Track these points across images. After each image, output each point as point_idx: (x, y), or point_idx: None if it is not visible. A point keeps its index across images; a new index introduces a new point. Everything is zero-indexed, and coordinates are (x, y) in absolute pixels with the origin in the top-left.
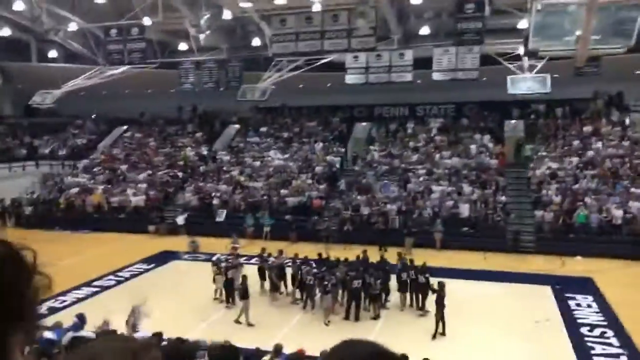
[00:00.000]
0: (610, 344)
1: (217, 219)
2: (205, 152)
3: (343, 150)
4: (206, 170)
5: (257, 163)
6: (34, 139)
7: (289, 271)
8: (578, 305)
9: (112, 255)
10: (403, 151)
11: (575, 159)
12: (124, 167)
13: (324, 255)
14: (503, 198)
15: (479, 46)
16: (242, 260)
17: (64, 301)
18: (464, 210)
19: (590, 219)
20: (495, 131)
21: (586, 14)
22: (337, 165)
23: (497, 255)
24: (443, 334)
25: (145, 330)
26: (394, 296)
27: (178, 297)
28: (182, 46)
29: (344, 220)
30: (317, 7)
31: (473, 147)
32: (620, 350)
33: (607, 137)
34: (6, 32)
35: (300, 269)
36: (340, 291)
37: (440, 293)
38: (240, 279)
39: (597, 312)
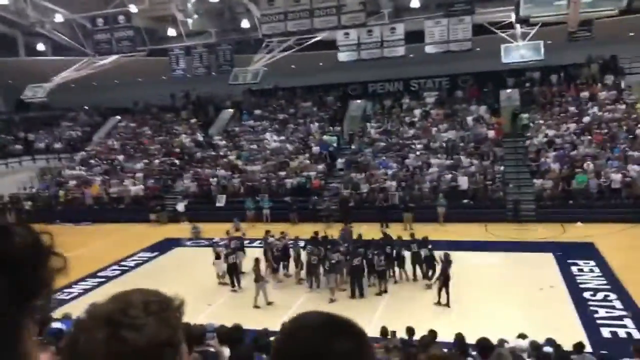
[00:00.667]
0: (613, 307)
1: (217, 204)
2: (201, 138)
3: (339, 128)
4: (203, 156)
5: (254, 146)
6: (28, 133)
7: (292, 252)
8: (580, 270)
9: (115, 245)
10: (399, 127)
11: (572, 125)
12: (120, 157)
13: (323, 235)
14: (501, 168)
15: (470, 16)
16: (245, 243)
17: (71, 293)
18: (463, 182)
19: (589, 184)
20: (490, 101)
21: None
22: (334, 145)
23: (498, 226)
24: (447, 305)
25: None
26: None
27: (183, 282)
28: (171, 32)
29: (344, 199)
30: None
31: (469, 118)
32: (623, 313)
33: (603, 102)
34: None
35: (302, 250)
36: (344, 269)
37: (446, 265)
38: (242, 262)
39: (599, 277)
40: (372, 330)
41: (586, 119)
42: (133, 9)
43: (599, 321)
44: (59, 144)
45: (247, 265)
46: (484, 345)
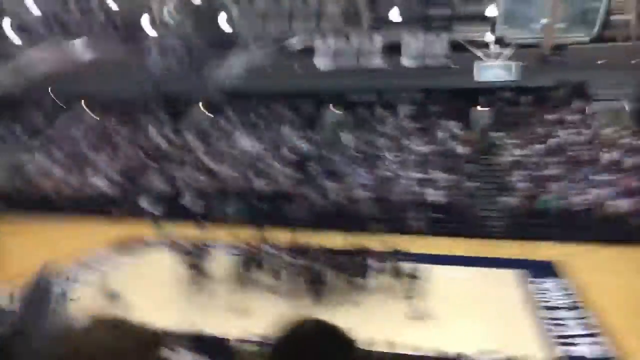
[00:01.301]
0: (572, 327)
1: (184, 204)
2: (170, 135)
3: (312, 135)
4: (172, 154)
5: (225, 147)
6: None
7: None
8: (543, 289)
9: (75, 241)
10: (373, 137)
11: (540, 146)
12: (85, 149)
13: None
14: (471, 184)
15: (447, 33)
16: (210, 246)
17: None
18: (433, 196)
19: (553, 204)
20: (463, 118)
21: (553, 3)
22: (307, 151)
23: (465, 241)
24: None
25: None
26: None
27: (148, 284)
28: (145, 24)
29: (314, 207)
30: None
31: (441, 133)
32: (584, 332)
33: (569, 125)
34: None
35: (265, 256)
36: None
37: (413, 278)
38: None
39: (561, 296)
40: None
41: (553, 141)
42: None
43: (558, 340)
44: (19, 131)
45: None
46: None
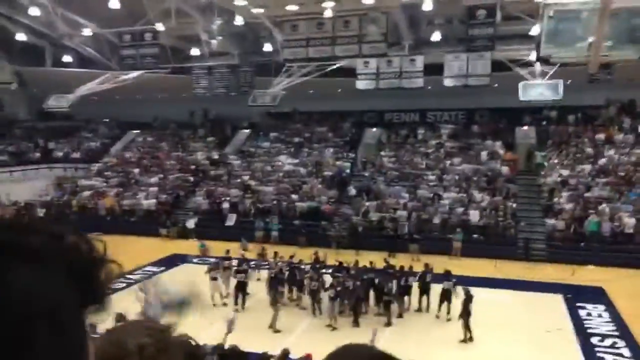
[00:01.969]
0: (621, 355)
1: (227, 223)
2: (216, 157)
3: (353, 155)
4: (217, 175)
5: (268, 168)
6: (48, 142)
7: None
8: (589, 314)
9: (123, 258)
10: (413, 157)
11: (587, 167)
12: (136, 170)
13: (322, 259)
14: (514, 205)
15: (490, 52)
16: (252, 264)
17: None
18: (474, 217)
19: (602, 227)
20: (506, 138)
21: (598, 21)
22: (347, 171)
23: (507, 263)
24: (470, 340)
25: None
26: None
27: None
28: (194, 51)
29: (353, 226)
30: (328, 13)
31: (484, 153)
32: None
33: (619, 145)
34: (22, 37)
35: (305, 275)
36: (350, 296)
37: (467, 300)
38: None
39: (608, 322)
40: None
41: (602, 161)
42: (160, 27)
43: None
44: (77, 154)
45: (254, 287)
46: None
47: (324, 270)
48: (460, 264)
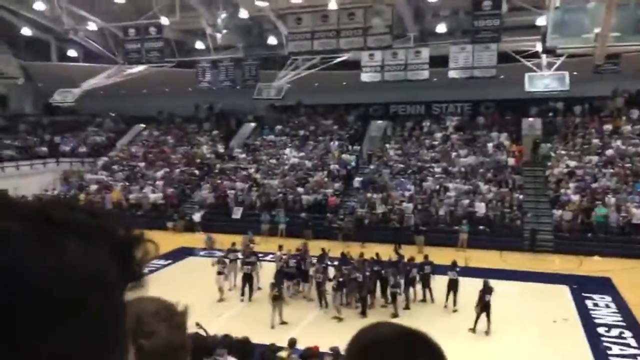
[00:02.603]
0: (628, 345)
1: (233, 216)
2: (221, 150)
3: (358, 148)
4: (222, 168)
5: (273, 161)
6: (54, 136)
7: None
8: (596, 305)
9: None
10: (419, 149)
11: (594, 158)
12: (142, 164)
13: (326, 251)
14: (520, 197)
15: (496, 44)
16: (258, 257)
17: None
18: (480, 208)
19: (610, 218)
20: (512, 129)
21: (605, 11)
22: (353, 164)
23: (514, 255)
24: (487, 332)
25: None
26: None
27: (194, 292)
28: (199, 45)
29: (359, 218)
30: (333, 6)
31: (490, 145)
32: (638, 352)
33: (626, 136)
34: (27, 32)
35: (312, 266)
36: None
37: (484, 292)
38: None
39: (615, 313)
40: None
41: (609, 152)
42: (164, 21)
43: (612, 359)
44: (83, 148)
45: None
46: None
47: (329, 262)
48: (467, 256)
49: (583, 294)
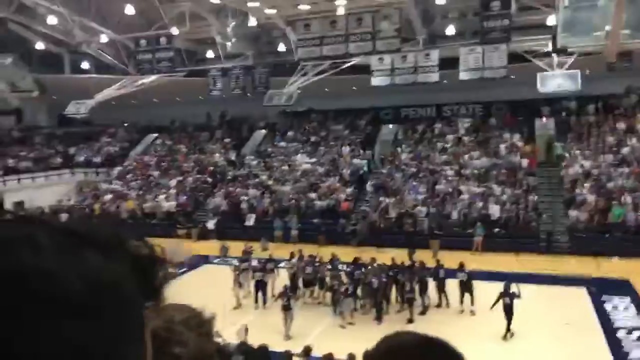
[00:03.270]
0: None
1: (247, 223)
2: (233, 158)
3: (370, 152)
4: (235, 175)
5: (285, 167)
6: (68, 147)
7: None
8: (615, 307)
9: None
10: (430, 152)
11: (609, 157)
12: (155, 173)
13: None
14: (535, 198)
15: (505, 44)
16: (271, 263)
17: None
18: (495, 211)
19: (626, 217)
20: (525, 130)
21: (616, 8)
22: (365, 168)
23: (529, 257)
24: (504, 337)
25: None
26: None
27: (208, 300)
28: (209, 54)
29: (372, 223)
30: (341, 11)
31: (502, 146)
32: None
33: None
34: (40, 45)
35: (324, 272)
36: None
37: (503, 295)
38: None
39: (635, 315)
40: None
41: (625, 151)
42: (175, 31)
43: None
44: (97, 159)
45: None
46: None
47: (343, 268)
48: (482, 259)
49: (601, 296)
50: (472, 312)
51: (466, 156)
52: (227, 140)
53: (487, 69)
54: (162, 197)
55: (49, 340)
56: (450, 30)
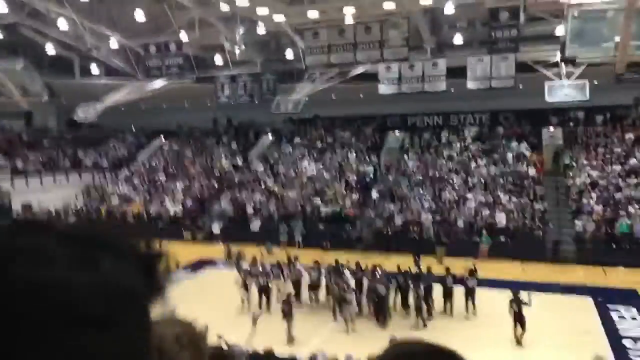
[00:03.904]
0: None
1: (252, 228)
2: (240, 163)
3: (376, 159)
4: (241, 180)
5: (291, 173)
6: (77, 150)
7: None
8: (621, 317)
9: None
10: (437, 160)
11: (617, 167)
12: (162, 177)
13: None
14: (542, 207)
15: (514, 54)
16: (276, 268)
17: None
18: (501, 219)
19: (634, 228)
20: (532, 139)
21: (624, 20)
22: (371, 175)
23: (536, 266)
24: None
25: None
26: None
27: (214, 303)
28: (218, 60)
29: (378, 230)
30: (349, 20)
31: (509, 155)
32: None
33: None
34: (51, 50)
35: (327, 278)
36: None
37: (512, 302)
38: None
39: None
40: None
41: (632, 162)
42: (184, 37)
43: None
44: (105, 162)
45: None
46: None
47: (344, 273)
48: (487, 267)
49: (608, 306)
50: (474, 314)
51: (473, 164)
52: (233, 145)
53: (494, 79)
54: (168, 201)
55: (67, 353)
56: (458, 39)
